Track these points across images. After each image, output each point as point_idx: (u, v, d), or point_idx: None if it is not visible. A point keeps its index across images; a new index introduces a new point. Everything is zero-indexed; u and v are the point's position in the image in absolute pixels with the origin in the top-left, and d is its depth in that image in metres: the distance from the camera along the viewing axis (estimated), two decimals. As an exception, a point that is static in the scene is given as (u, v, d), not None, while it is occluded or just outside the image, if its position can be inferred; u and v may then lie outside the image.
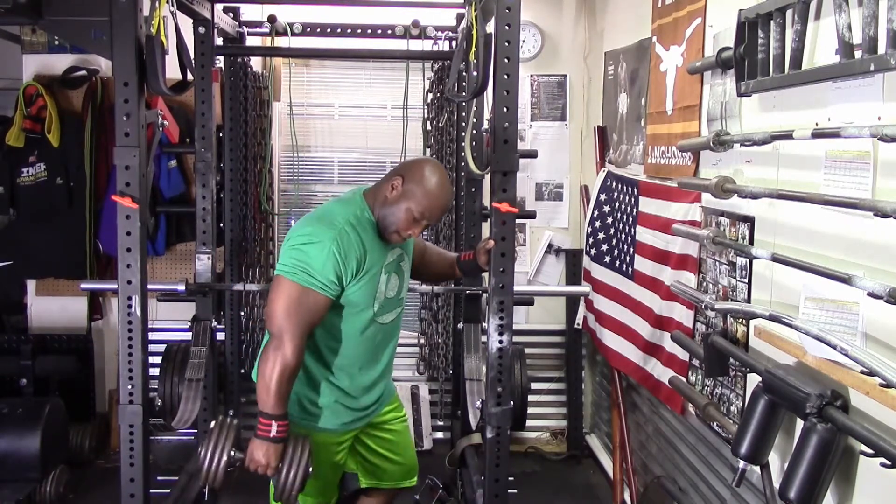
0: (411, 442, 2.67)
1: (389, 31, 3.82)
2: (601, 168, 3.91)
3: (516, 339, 2.58)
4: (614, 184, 3.65)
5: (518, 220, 3.57)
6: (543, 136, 4.31)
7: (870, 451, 1.55)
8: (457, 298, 3.91)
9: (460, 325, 3.46)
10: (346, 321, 2.26)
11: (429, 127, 4.09)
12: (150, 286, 2.44)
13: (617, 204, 3.59)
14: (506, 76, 2.24)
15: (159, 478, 3.03)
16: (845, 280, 1.63)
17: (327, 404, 2.32)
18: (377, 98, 4.24)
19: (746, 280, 2.29)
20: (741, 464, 2.02)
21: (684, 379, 2.77)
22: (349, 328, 2.28)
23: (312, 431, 2.31)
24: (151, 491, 2.42)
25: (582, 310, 4.13)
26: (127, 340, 2.32)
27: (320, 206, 2.38)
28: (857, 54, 1.59)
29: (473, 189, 3.44)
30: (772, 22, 1.97)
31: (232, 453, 2.15)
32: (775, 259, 1.98)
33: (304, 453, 2.15)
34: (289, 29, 3.80)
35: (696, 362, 2.69)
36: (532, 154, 3.79)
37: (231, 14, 3.71)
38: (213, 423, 2.23)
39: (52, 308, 4.18)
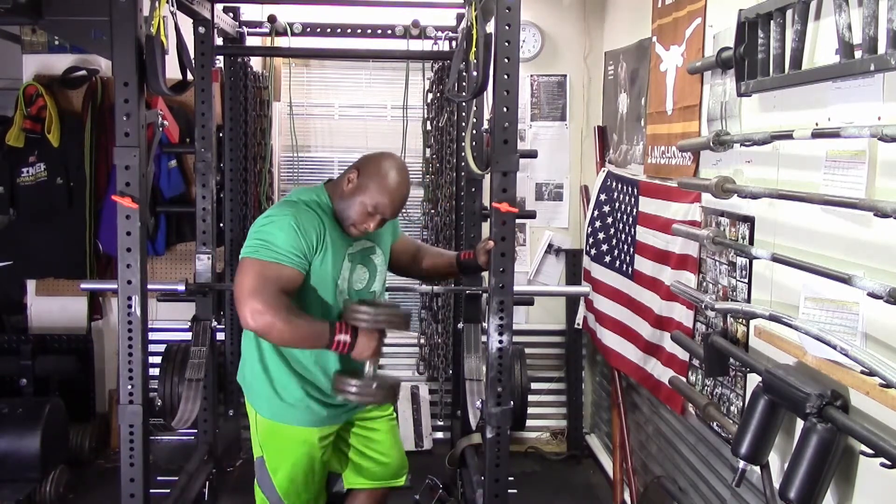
0: (399, 441, 2.63)
1: (389, 31, 3.82)
2: (601, 168, 3.91)
3: (516, 339, 2.58)
4: (614, 184, 3.65)
5: (518, 220, 3.57)
6: (543, 136, 4.30)
7: (870, 451, 1.55)
8: (457, 298, 3.91)
9: (460, 325, 3.46)
10: (314, 309, 2.25)
11: (429, 127, 4.09)
12: (150, 286, 2.44)
13: (617, 204, 3.59)
14: (506, 76, 2.24)
15: (159, 478, 3.03)
16: (845, 280, 1.63)
17: (298, 399, 2.30)
18: (377, 98, 4.24)
19: (746, 280, 2.29)
20: (741, 464, 2.02)
21: (684, 379, 2.77)
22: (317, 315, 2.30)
23: (288, 426, 2.31)
24: (151, 491, 2.42)
25: (582, 310, 4.13)
26: (127, 340, 2.32)
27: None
28: (857, 54, 1.59)
29: (473, 189, 3.44)
30: (772, 22, 1.97)
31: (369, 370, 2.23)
32: (775, 259, 1.98)
33: (377, 307, 2.22)
34: (289, 29, 3.80)
35: (696, 362, 2.69)
36: (532, 154, 3.80)
37: (231, 14, 3.71)
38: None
39: (52, 308, 4.18)
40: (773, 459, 2.04)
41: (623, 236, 3.49)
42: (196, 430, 3.40)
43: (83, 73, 4.01)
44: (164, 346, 3.16)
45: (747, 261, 2.28)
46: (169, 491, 2.98)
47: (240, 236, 3.97)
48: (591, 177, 4.09)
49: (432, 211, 4.15)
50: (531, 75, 4.24)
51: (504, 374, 2.36)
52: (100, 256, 4.05)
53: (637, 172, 3.36)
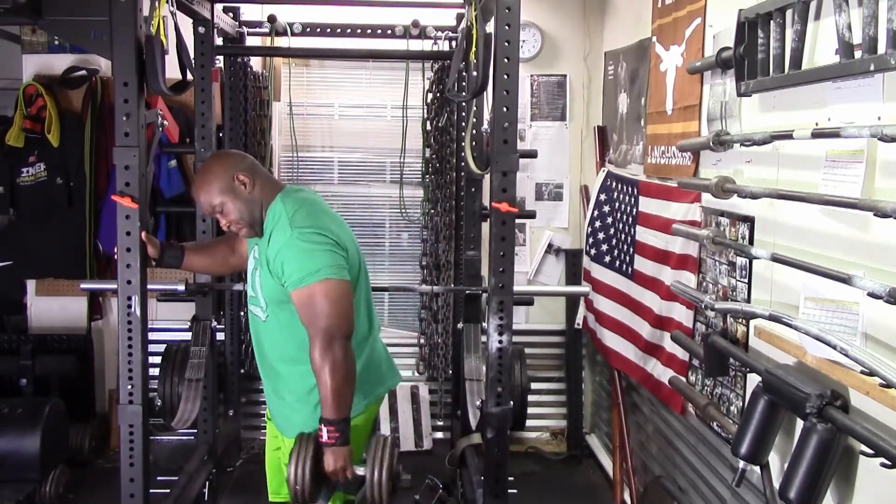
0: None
1: (389, 31, 3.82)
2: (601, 168, 3.91)
3: (516, 339, 2.58)
4: (614, 184, 3.65)
5: (518, 220, 3.57)
6: (543, 136, 4.30)
7: (870, 451, 1.55)
8: (457, 298, 3.91)
9: (460, 325, 3.46)
10: None
11: (429, 127, 4.09)
12: (150, 286, 2.44)
13: (617, 204, 3.59)
14: (506, 76, 2.24)
15: (159, 478, 3.03)
16: (845, 280, 1.63)
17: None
18: (377, 98, 4.24)
19: (746, 280, 2.29)
20: (741, 464, 2.02)
21: (684, 379, 2.77)
22: None
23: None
24: (151, 491, 2.42)
25: (582, 310, 4.13)
26: (127, 340, 2.32)
27: None
28: (857, 54, 1.59)
29: (473, 189, 3.44)
30: (772, 22, 1.97)
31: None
32: (775, 259, 1.98)
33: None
34: (289, 29, 3.80)
35: (696, 362, 2.69)
36: (532, 154, 3.80)
37: (231, 14, 3.71)
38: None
39: (52, 308, 4.18)
40: (773, 459, 2.04)
41: (623, 236, 3.49)
42: (196, 430, 3.39)
43: (83, 73, 4.01)
44: (164, 346, 3.16)
45: (747, 261, 2.28)
46: (169, 491, 2.98)
47: (240, 236, 3.97)
48: (591, 177, 4.09)
49: (432, 211, 4.15)
50: (531, 75, 4.24)
51: (504, 374, 2.36)
52: (100, 256, 4.04)
53: (637, 172, 3.36)
